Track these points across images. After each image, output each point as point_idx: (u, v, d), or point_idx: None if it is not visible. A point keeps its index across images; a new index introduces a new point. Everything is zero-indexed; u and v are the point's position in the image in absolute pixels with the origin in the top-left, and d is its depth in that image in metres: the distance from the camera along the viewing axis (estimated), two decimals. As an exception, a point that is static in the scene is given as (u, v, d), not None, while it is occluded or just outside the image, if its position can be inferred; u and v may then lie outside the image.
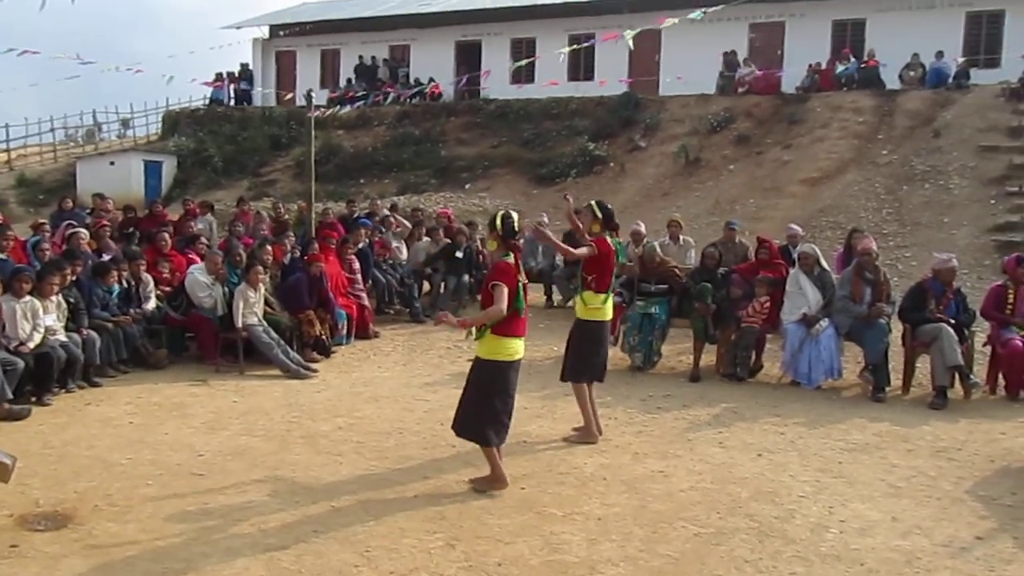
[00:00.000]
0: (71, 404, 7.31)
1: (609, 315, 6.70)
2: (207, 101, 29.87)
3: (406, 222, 13.39)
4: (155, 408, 7.28)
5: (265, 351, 8.64)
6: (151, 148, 27.98)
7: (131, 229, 12.20)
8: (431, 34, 28.11)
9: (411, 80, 26.82)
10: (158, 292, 9.35)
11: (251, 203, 17.37)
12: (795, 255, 9.76)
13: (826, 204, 16.27)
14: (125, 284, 8.83)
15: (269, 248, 9.96)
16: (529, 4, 26.41)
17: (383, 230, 12.59)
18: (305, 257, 9.99)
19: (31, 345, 7.23)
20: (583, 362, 6.54)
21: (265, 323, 8.85)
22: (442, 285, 11.97)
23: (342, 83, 28.04)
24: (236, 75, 29.31)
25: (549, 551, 4.56)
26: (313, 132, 13.05)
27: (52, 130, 31.54)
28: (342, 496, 5.29)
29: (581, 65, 25.31)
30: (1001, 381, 8.09)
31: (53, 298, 7.68)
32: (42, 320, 7.43)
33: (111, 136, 34.06)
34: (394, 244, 12.40)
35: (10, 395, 6.88)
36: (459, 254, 11.97)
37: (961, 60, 19.06)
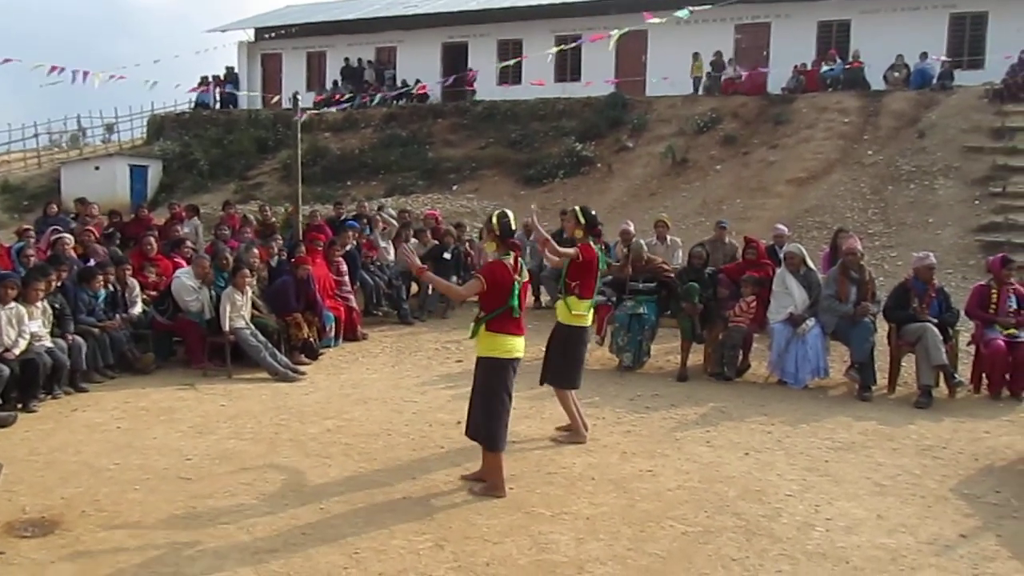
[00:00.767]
0: (57, 410, 7.28)
1: (589, 321, 6.71)
2: (192, 105, 29.75)
3: (393, 221, 13.42)
4: (142, 413, 7.25)
5: (252, 354, 8.63)
6: (136, 152, 27.83)
7: (111, 230, 12.16)
8: (417, 36, 28.11)
9: (398, 82, 26.80)
10: (144, 296, 9.32)
11: (237, 206, 17.32)
12: (781, 255, 9.83)
13: (812, 204, 16.35)
14: (111, 289, 8.80)
15: (256, 251, 9.94)
16: (515, 5, 26.46)
17: (370, 231, 12.58)
18: (292, 260, 9.98)
19: (16, 351, 7.18)
20: (563, 366, 6.56)
21: (252, 326, 8.83)
22: (430, 287, 11.97)
23: (328, 85, 27.99)
24: (222, 78, 29.22)
25: (537, 551, 4.57)
26: (299, 135, 13.02)
27: (36, 135, 31.36)
28: (330, 498, 5.29)
29: (568, 66, 25.37)
30: (985, 380, 8.16)
31: (38, 304, 7.65)
32: (27, 326, 7.39)
33: (96, 141, 33.88)
34: (382, 244, 12.39)
35: (-4, 401, 6.85)
36: (447, 255, 11.99)
37: (946, 61, 19.17)
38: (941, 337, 7.91)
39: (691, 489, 5.55)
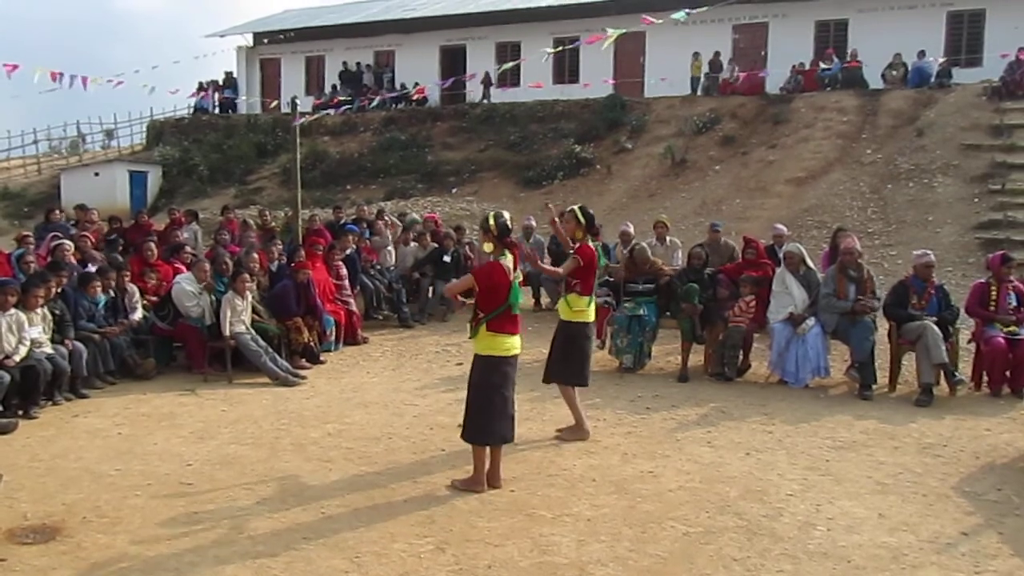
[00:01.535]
0: (58, 416, 7.28)
1: (592, 316, 6.77)
2: (191, 110, 29.79)
3: (396, 220, 13.47)
4: (143, 418, 7.26)
5: (253, 359, 8.63)
6: (136, 158, 27.88)
7: (114, 236, 12.18)
8: (416, 39, 28.15)
9: (396, 85, 26.82)
10: (144, 302, 9.33)
11: (237, 211, 17.32)
12: (781, 254, 9.82)
13: (811, 204, 16.35)
14: (112, 295, 8.81)
15: (256, 255, 9.95)
16: (513, 8, 26.50)
17: (370, 235, 12.59)
18: (292, 264, 9.98)
19: (17, 358, 7.18)
20: (574, 363, 6.59)
21: (253, 331, 8.83)
22: (430, 290, 11.99)
23: (327, 89, 28.03)
24: (220, 83, 29.26)
25: (539, 553, 4.57)
26: (298, 139, 13.04)
27: (36, 142, 31.47)
28: (331, 502, 5.30)
29: (566, 68, 25.41)
30: (985, 378, 8.16)
31: (38, 310, 7.65)
32: (27, 333, 7.40)
33: (95, 147, 33.92)
34: (388, 247, 12.40)
35: (-4, 408, 6.85)
36: (447, 258, 12.00)
37: (943, 60, 19.17)
38: (941, 335, 7.91)
39: (692, 490, 5.54)
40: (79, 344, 7.97)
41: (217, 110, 29.04)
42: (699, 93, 22.84)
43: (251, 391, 8.25)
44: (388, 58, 29.02)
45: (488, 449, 5.52)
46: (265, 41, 30.98)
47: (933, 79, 19.61)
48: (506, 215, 5.60)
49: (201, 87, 27.93)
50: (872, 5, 22.20)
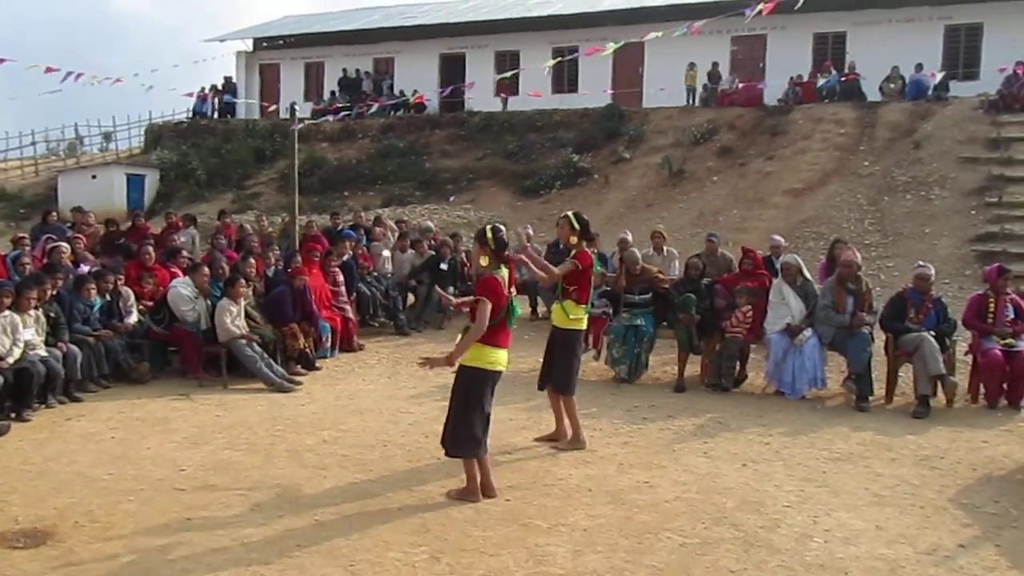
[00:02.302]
0: (51, 419, 7.23)
1: (585, 324, 6.78)
2: (190, 114, 29.77)
3: (394, 224, 13.48)
4: (137, 423, 7.21)
5: (249, 365, 8.59)
6: (133, 161, 27.83)
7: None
8: (415, 47, 28.18)
9: (396, 93, 26.84)
10: (140, 307, 9.30)
11: (234, 216, 17.29)
12: (778, 265, 9.82)
13: (809, 215, 16.38)
14: (107, 298, 8.77)
15: (252, 261, 9.92)
16: (513, 17, 26.55)
17: (367, 241, 12.58)
18: (289, 270, 9.95)
19: (10, 360, 7.14)
20: (561, 371, 6.58)
21: (249, 336, 8.79)
22: (427, 297, 11.95)
23: (326, 96, 28.04)
24: (220, 88, 29.25)
25: (534, 563, 4.54)
26: (297, 144, 13.02)
27: (33, 144, 31.46)
28: (326, 510, 5.26)
29: (565, 77, 25.44)
30: (982, 390, 8.15)
31: (31, 312, 7.61)
32: (21, 335, 7.36)
33: (93, 149, 33.92)
34: (384, 253, 12.38)
35: (-11, 411, 6.81)
36: (444, 266, 11.98)
37: (941, 73, 19.22)
38: (938, 347, 7.91)
39: (689, 500, 5.51)
40: (73, 347, 7.93)
41: (216, 114, 29.03)
42: (695, 103, 22.89)
43: (246, 397, 8.21)
44: (387, 65, 29.04)
45: (476, 460, 5.47)
46: (265, 46, 31.01)
47: (930, 92, 19.67)
48: (503, 229, 5.56)
49: (202, 91, 27.93)
50: (870, 18, 22.29)
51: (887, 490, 5.77)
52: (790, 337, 8.33)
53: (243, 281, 8.94)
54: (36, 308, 7.71)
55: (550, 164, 21.42)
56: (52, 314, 7.93)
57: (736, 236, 15.16)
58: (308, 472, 5.99)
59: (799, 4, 9.18)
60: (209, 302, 8.94)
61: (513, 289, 5.54)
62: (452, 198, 21.40)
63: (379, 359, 10.13)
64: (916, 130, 18.02)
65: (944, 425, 7.42)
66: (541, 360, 6.95)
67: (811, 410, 7.95)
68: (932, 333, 8.04)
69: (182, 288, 8.99)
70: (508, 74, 16.41)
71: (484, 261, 5.50)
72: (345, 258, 11.25)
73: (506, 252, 5.48)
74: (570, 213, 6.72)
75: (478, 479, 5.45)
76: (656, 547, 4.77)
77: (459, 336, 5.42)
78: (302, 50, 30.00)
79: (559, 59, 14.99)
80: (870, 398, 8.09)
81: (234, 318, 8.71)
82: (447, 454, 5.52)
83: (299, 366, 9.21)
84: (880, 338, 8.55)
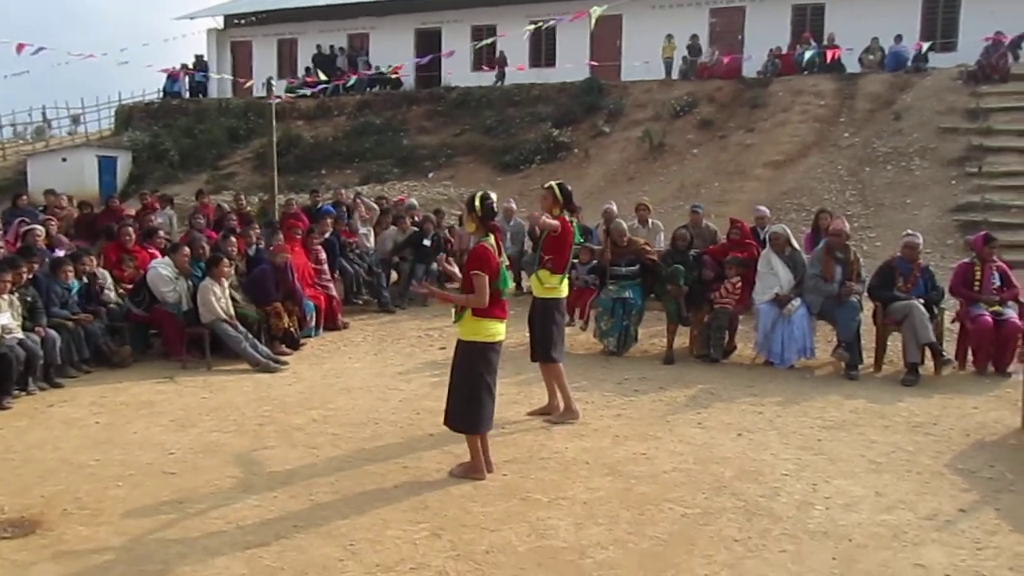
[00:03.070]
0: (32, 406, 7.06)
1: (564, 292, 6.73)
2: (161, 94, 29.21)
3: (374, 205, 13.31)
4: (121, 407, 7.06)
5: (233, 345, 8.44)
6: (104, 143, 27.29)
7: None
8: (390, 22, 27.78)
9: (371, 69, 26.48)
10: (120, 289, 9.10)
11: (210, 196, 17.01)
12: (764, 236, 9.79)
13: (790, 187, 16.36)
14: (85, 280, 8.57)
15: (233, 240, 9.74)
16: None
17: (348, 218, 12.40)
18: (270, 248, 9.78)
19: (-13, 345, 6.96)
20: (549, 338, 6.53)
21: (232, 316, 8.63)
22: (410, 273, 11.83)
23: (300, 73, 27.59)
24: (192, 67, 28.71)
25: (536, 537, 4.48)
26: (274, 118, 12.77)
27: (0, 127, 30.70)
28: (321, 490, 5.17)
29: (543, 52, 25.20)
30: (970, 357, 8.18)
31: (7, 296, 7.41)
32: (-2, 319, 7.16)
33: (61, 132, 33.19)
34: (361, 231, 12.22)
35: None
36: (427, 242, 11.85)
37: (927, 44, 19.12)
38: (927, 315, 7.92)
39: (687, 471, 5.48)
40: (52, 331, 7.72)
41: (188, 94, 28.51)
42: (674, 76, 22.76)
43: (231, 378, 8.07)
44: (362, 41, 28.62)
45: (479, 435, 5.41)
46: (236, 23, 30.41)
47: (909, 63, 19.67)
48: (493, 196, 5.47)
49: (171, 74, 27.39)
50: (848, -11, 22.20)
51: (883, 457, 5.77)
52: (779, 307, 8.31)
53: (226, 261, 8.77)
54: (12, 292, 7.50)
55: (529, 139, 21.23)
56: (29, 298, 7.72)
57: (718, 208, 15.11)
58: (299, 452, 5.89)
59: None
60: (190, 283, 8.76)
61: (504, 258, 5.46)
62: (431, 175, 21.19)
63: (364, 337, 10.01)
64: (896, 101, 18.01)
65: (934, 392, 7.44)
66: (528, 335, 6.88)
67: (801, 379, 7.95)
68: (921, 301, 8.05)
69: (162, 269, 8.80)
70: (487, 41, 16.16)
71: (471, 228, 5.43)
72: (327, 235, 11.08)
73: (493, 220, 5.39)
74: (554, 183, 6.67)
75: (482, 455, 5.36)
76: (658, 518, 4.73)
77: (453, 310, 5.35)
78: (275, 27, 29.48)
79: (539, 23, 14.81)
80: (859, 367, 8.10)
81: (219, 299, 8.54)
82: (453, 429, 5.43)
83: (284, 346, 9.07)
84: (868, 307, 8.55)
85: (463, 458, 5.47)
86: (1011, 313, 8.05)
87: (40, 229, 9.50)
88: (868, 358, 8.30)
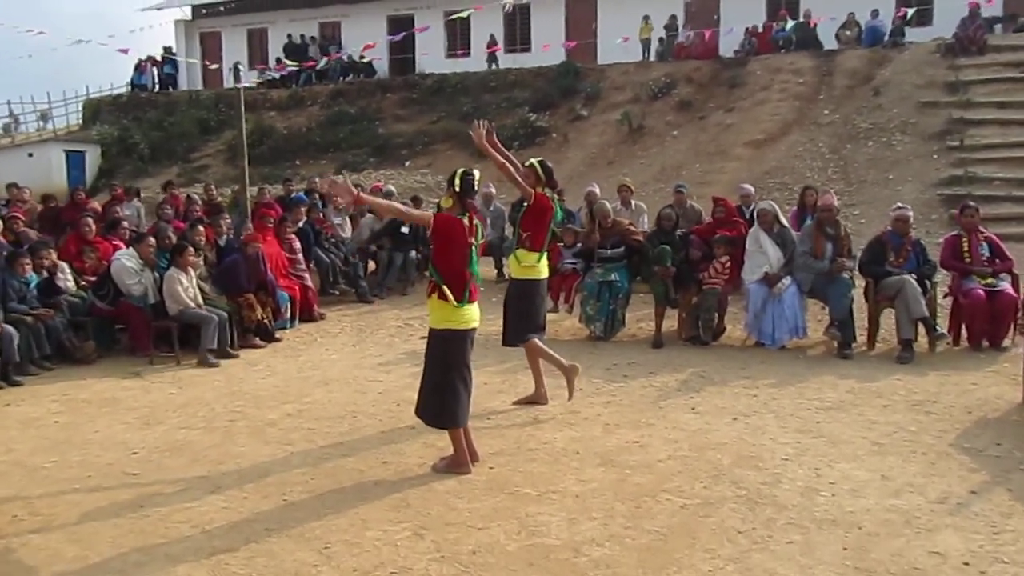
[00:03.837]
0: (-12, 406, 6.68)
1: (544, 274, 6.42)
2: (130, 87, 28.52)
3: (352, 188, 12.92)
4: (83, 405, 6.69)
5: (204, 326, 8.03)
6: (72, 138, 26.61)
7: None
8: (362, 9, 27.27)
9: (344, 59, 25.98)
10: (83, 282, 8.70)
11: (181, 189, 16.53)
12: (748, 214, 9.55)
13: (772, 166, 16.14)
14: (45, 274, 8.16)
15: (201, 229, 9.34)
16: (462, -26, 25.72)
17: (323, 206, 12.03)
18: (241, 238, 9.40)
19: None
20: (523, 319, 6.26)
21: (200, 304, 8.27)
22: (388, 263, 11.48)
23: (271, 63, 27.02)
24: (160, 59, 28.05)
25: (527, 534, 4.18)
26: (243, 108, 12.35)
27: (-37, 124, 29.88)
28: (295, 488, 4.84)
29: (517, 35, 24.80)
30: (964, 332, 7.98)
31: (-38, 292, 7.01)
32: (-50, 316, 6.76)
33: (29, 129, 32.37)
34: (336, 220, 11.85)
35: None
36: (405, 230, 11.50)
37: (912, 10, 18.80)
38: (920, 290, 7.70)
39: (683, 459, 5.20)
40: (9, 327, 7.33)
41: (156, 86, 27.87)
42: (652, 58, 22.46)
43: (201, 372, 7.72)
44: (334, 30, 28.07)
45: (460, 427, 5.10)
46: (204, 14, 29.74)
47: (887, 38, 19.50)
48: (476, 173, 5.14)
49: (138, 66, 26.75)
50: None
51: (885, 438, 5.52)
52: (769, 286, 8.06)
53: (191, 250, 8.39)
54: (-35, 287, 7.11)
55: (507, 124, 20.81)
56: (-16, 293, 7.33)
57: (699, 189, 14.84)
58: (272, 448, 5.56)
59: None
60: (156, 274, 8.38)
61: (477, 239, 5.12)
62: (408, 163, 20.80)
63: (342, 328, 9.66)
64: (874, 77, 17.82)
65: (930, 369, 7.22)
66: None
67: (794, 360, 7.70)
68: (913, 276, 7.83)
69: (126, 260, 8.40)
70: (464, 13, 15.79)
71: (448, 203, 5.11)
72: (300, 224, 10.70)
73: (470, 199, 5.07)
74: (535, 160, 6.43)
75: (465, 448, 5.06)
76: (655, 510, 4.44)
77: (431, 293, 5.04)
78: (244, 16, 28.83)
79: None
80: (852, 345, 7.86)
81: (186, 289, 8.16)
82: (428, 424, 5.12)
83: (257, 338, 8.72)
84: (860, 284, 8.31)
85: (446, 452, 5.16)
86: (1004, 285, 7.84)
87: (-2, 223, 9.07)
88: (861, 336, 8.07)
